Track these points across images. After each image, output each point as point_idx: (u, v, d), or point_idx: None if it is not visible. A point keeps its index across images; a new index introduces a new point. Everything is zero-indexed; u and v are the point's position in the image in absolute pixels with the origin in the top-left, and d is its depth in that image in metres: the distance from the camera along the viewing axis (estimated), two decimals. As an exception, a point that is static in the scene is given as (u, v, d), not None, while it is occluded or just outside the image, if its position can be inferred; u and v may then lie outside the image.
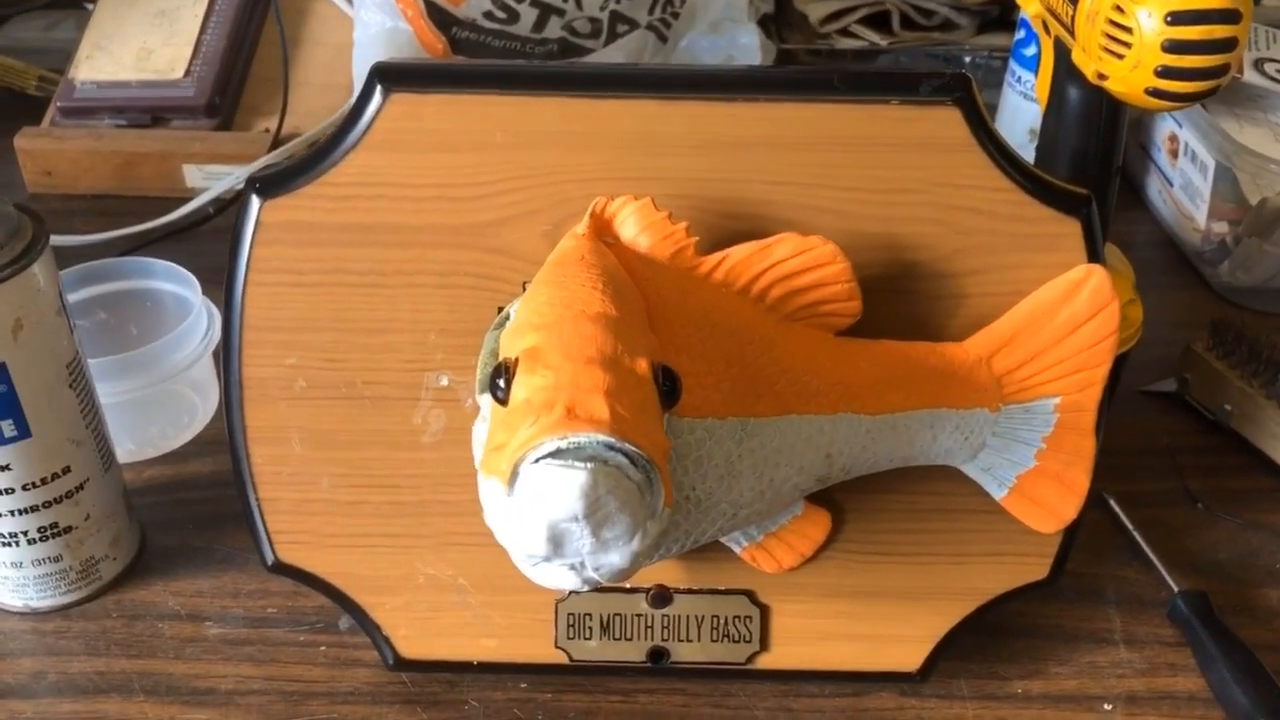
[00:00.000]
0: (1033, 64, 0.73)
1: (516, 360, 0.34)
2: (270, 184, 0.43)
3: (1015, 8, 0.83)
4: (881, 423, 0.42)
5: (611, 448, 0.31)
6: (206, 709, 0.47)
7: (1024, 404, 0.43)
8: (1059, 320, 0.43)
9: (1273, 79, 0.71)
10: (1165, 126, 0.74)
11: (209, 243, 0.73)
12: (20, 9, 0.93)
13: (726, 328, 0.39)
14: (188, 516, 0.56)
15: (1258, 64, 0.72)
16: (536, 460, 0.31)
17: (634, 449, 0.32)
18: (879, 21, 0.86)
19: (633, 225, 0.40)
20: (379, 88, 0.42)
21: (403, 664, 0.48)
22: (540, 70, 0.48)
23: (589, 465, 0.31)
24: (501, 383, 0.34)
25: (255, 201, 0.43)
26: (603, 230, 0.40)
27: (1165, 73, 0.48)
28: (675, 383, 0.35)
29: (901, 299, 0.43)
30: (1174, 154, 0.73)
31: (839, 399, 0.41)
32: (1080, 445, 0.44)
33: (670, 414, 0.36)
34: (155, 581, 0.53)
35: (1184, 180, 0.72)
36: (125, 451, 0.57)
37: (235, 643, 0.50)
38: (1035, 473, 0.44)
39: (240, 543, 0.53)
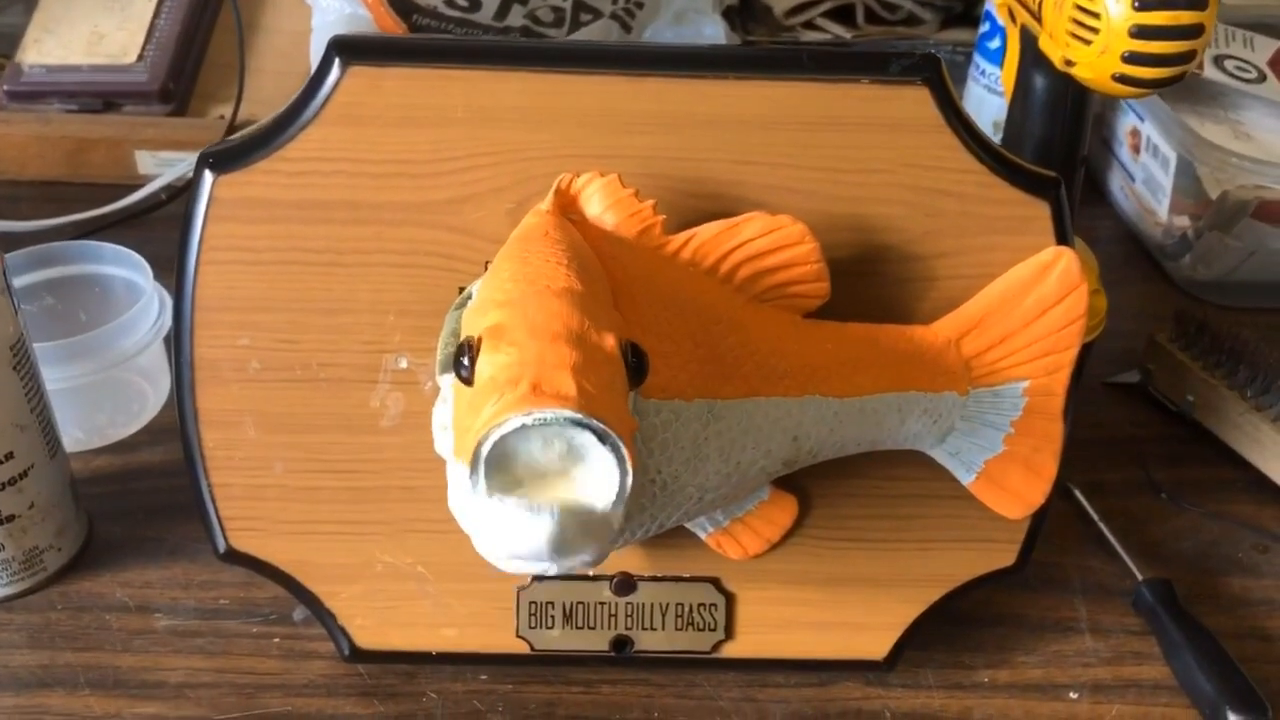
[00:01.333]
0: (997, 57, 0.73)
1: (480, 338, 0.33)
2: (224, 159, 0.42)
3: (979, 3, 0.83)
4: (849, 405, 0.41)
5: (578, 424, 0.31)
6: (155, 702, 0.46)
7: (993, 387, 0.43)
8: (1028, 303, 0.42)
9: (1232, 75, 0.72)
10: (1127, 121, 0.75)
11: (161, 229, 0.71)
12: (-33, -8, 0.90)
13: (693, 308, 0.39)
14: (137, 506, 0.54)
15: (1218, 60, 0.72)
16: (500, 437, 0.30)
17: (600, 425, 0.31)
18: (844, 15, 0.85)
19: (598, 202, 0.39)
20: (337, 60, 0.41)
21: (359, 655, 0.46)
22: (503, 45, 0.48)
23: (555, 512, 0.31)
24: (465, 361, 0.33)
25: (209, 177, 0.42)
26: (568, 207, 0.39)
27: (1132, 58, 0.48)
28: (643, 360, 0.34)
29: (871, 280, 0.43)
30: (1136, 149, 0.74)
31: (806, 381, 0.40)
32: (1049, 429, 0.43)
33: (636, 395, 0.35)
34: (103, 573, 0.51)
35: (1146, 175, 0.73)
36: (73, 440, 0.55)
37: (186, 634, 0.49)
38: (1003, 458, 0.44)
39: (191, 533, 0.51)
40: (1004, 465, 0.44)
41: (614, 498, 0.31)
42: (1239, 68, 0.72)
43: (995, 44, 0.73)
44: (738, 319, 0.40)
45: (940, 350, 0.42)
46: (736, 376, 0.39)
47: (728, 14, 0.82)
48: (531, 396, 0.30)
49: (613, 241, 0.39)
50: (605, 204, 0.39)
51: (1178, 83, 0.48)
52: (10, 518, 0.48)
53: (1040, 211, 0.43)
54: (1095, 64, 0.49)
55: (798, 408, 0.40)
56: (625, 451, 0.31)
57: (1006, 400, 0.43)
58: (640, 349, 0.34)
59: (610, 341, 0.33)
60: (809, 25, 0.85)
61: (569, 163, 0.41)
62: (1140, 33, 0.47)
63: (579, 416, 0.30)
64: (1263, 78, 0.72)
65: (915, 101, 0.41)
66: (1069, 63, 0.50)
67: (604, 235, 0.39)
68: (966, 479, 0.44)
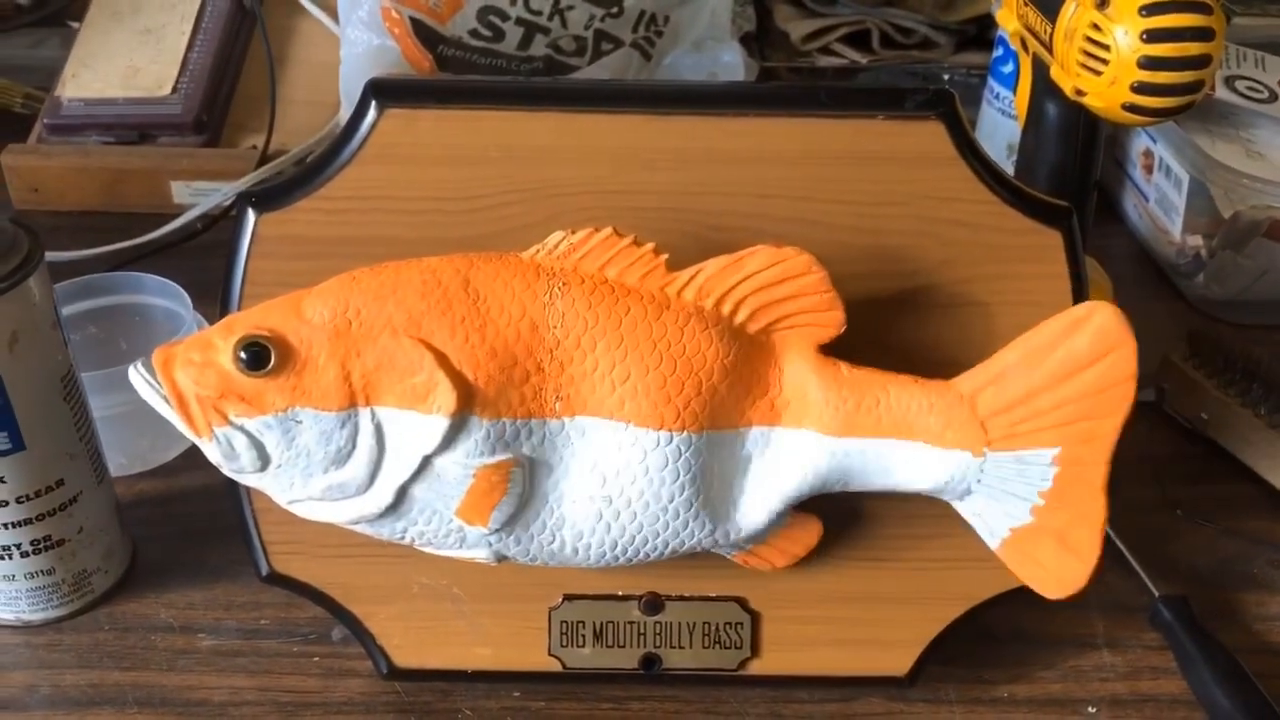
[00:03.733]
0: (1010, 81, 0.75)
1: None
2: (266, 198, 0.44)
3: (993, 26, 0.84)
4: (849, 446, 0.41)
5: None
6: (200, 720, 0.48)
7: (1014, 452, 0.40)
8: (1054, 361, 0.39)
9: (1244, 95, 0.73)
10: (1140, 142, 0.76)
11: (197, 259, 0.73)
12: (5, 27, 0.93)
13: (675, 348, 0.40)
14: (179, 529, 0.56)
15: (1229, 81, 0.73)
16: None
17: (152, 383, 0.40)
18: (859, 40, 0.87)
19: (597, 257, 0.40)
20: (374, 103, 0.43)
21: (397, 673, 0.48)
22: (533, 86, 0.49)
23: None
24: None
25: (251, 215, 0.43)
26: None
27: (1141, 88, 0.49)
28: (258, 354, 0.39)
29: (888, 310, 0.44)
30: (1149, 169, 0.75)
31: (805, 416, 0.41)
32: (1087, 505, 0.40)
33: (545, 422, 0.40)
34: (147, 594, 0.53)
35: (1159, 195, 0.74)
36: (117, 465, 0.57)
37: (228, 654, 0.50)
38: (1032, 529, 0.41)
39: (232, 555, 0.53)
40: (1034, 538, 0.41)
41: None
42: (1250, 88, 0.74)
43: (1009, 68, 0.75)
44: (739, 355, 0.41)
45: (952, 404, 0.40)
46: (735, 411, 0.41)
47: (745, 41, 0.84)
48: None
49: (611, 302, 0.40)
50: (605, 258, 0.40)
51: (1187, 111, 0.50)
52: (60, 542, 0.50)
53: (1053, 240, 0.44)
54: (1105, 94, 0.50)
55: (795, 442, 0.41)
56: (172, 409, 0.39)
57: (1032, 468, 0.40)
58: (255, 344, 0.39)
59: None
60: (825, 51, 0.86)
61: (596, 198, 0.43)
62: (1149, 64, 0.49)
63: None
64: (1274, 97, 0.73)
65: (930, 136, 0.43)
66: (1080, 92, 0.52)
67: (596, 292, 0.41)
68: (991, 544, 0.43)
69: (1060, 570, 0.41)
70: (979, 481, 0.41)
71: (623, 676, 0.48)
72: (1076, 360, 0.39)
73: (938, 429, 0.41)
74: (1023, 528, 0.41)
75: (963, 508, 0.43)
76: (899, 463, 0.41)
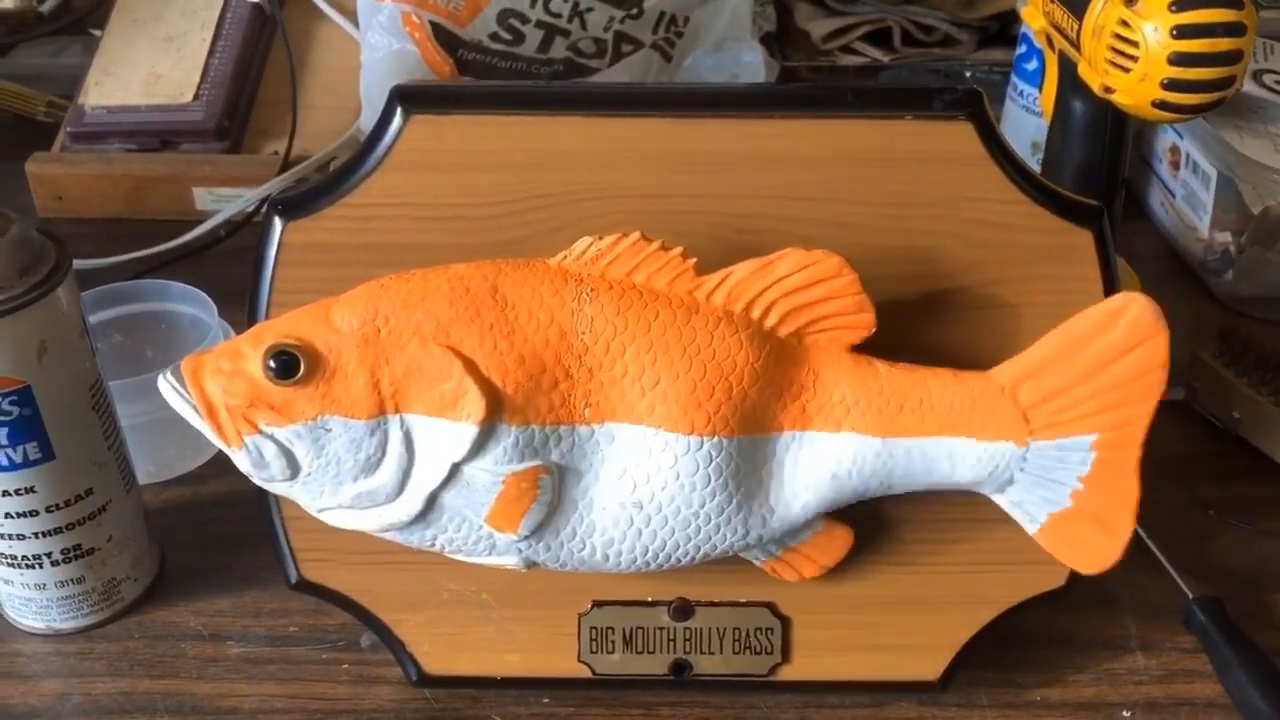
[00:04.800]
0: (1034, 78, 0.74)
1: None
2: (292, 206, 0.44)
3: (1015, 22, 0.84)
4: (894, 446, 0.41)
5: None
6: (231, 728, 0.48)
7: (1055, 440, 0.41)
8: (1092, 351, 0.40)
9: (1272, 90, 0.72)
10: (1166, 138, 0.75)
11: (220, 265, 0.73)
12: (27, 36, 0.93)
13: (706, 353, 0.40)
14: (207, 537, 0.56)
15: (1257, 75, 0.73)
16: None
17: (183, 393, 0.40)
18: (880, 38, 0.87)
19: (625, 263, 0.40)
20: (400, 110, 0.43)
21: (426, 680, 0.48)
22: (559, 91, 0.49)
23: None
24: None
25: (278, 223, 0.43)
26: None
27: (1171, 85, 0.49)
28: (287, 363, 0.39)
29: (918, 312, 0.44)
30: (1175, 165, 0.74)
31: (844, 418, 0.41)
32: (1123, 487, 0.41)
33: (574, 428, 0.40)
34: (176, 602, 0.53)
35: (1186, 191, 0.73)
36: (144, 473, 0.57)
37: (258, 662, 0.50)
38: (1071, 513, 0.42)
39: (260, 562, 0.53)
40: (1072, 521, 0.42)
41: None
42: (1278, 82, 0.73)
43: (1032, 65, 0.74)
44: (770, 358, 0.41)
45: (994, 398, 0.41)
46: (767, 416, 0.41)
47: (765, 40, 0.84)
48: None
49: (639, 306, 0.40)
50: (633, 263, 0.40)
51: (1217, 108, 0.49)
52: (90, 550, 0.50)
53: (1084, 240, 0.44)
54: (1135, 91, 0.50)
55: (833, 445, 0.41)
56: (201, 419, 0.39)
57: (1072, 455, 0.41)
58: (284, 353, 0.39)
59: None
60: (846, 49, 0.86)
61: (623, 203, 0.43)
62: (1179, 60, 0.48)
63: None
64: (1302, 92, 0.72)
65: (959, 136, 0.43)
66: (1108, 90, 0.51)
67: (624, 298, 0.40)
68: (1030, 529, 0.43)
69: (1097, 548, 0.43)
70: (1021, 471, 0.42)
71: (652, 682, 0.48)
72: (1112, 350, 0.40)
73: (981, 423, 0.41)
74: (1061, 512, 0.42)
75: (1001, 498, 0.43)
76: (944, 459, 0.42)
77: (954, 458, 0.41)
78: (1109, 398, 0.41)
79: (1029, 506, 0.43)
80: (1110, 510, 0.42)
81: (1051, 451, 0.41)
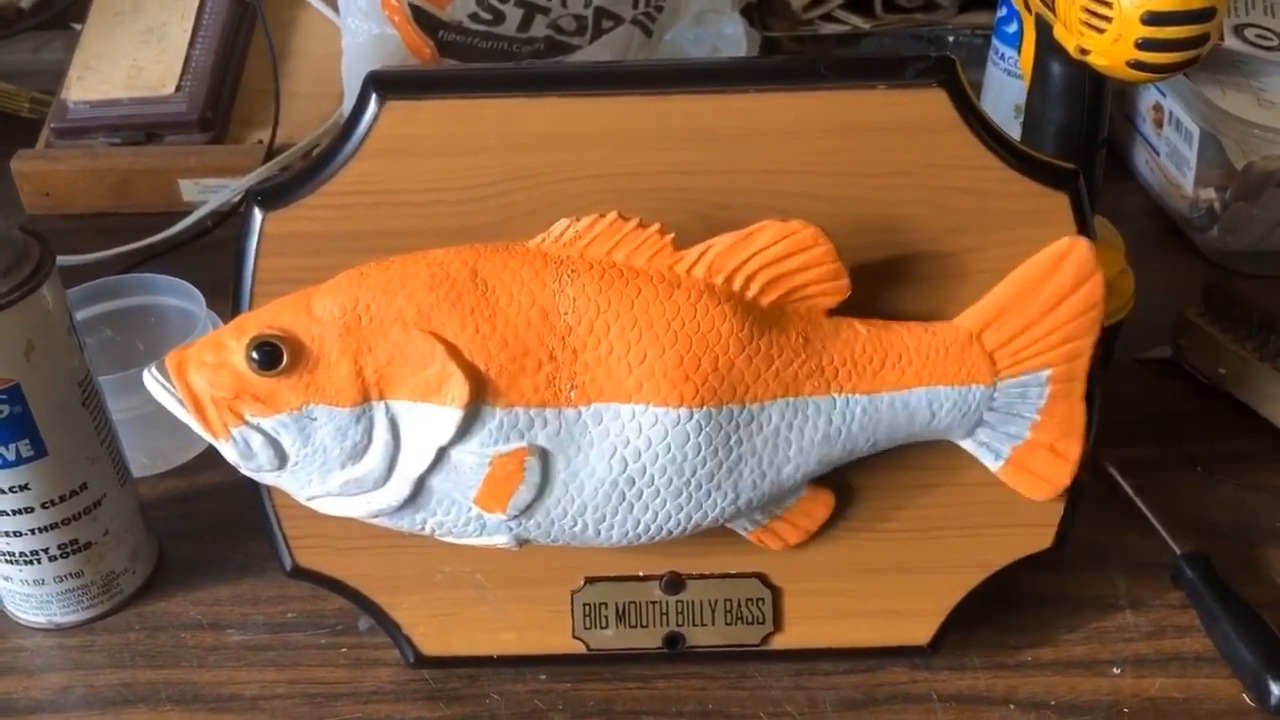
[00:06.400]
0: (1014, 40, 0.74)
1: None
2: (271, 196, 0.44)
3: (996, -16, 0.83)
4: (878, 402, 0.43)
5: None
6: (233, 715, 0.48)
7: (1018, 378, 0.44)
8: (1045, 293, 0.43)
9: (1253, 44, 0.72)
10: (1149, 96, 0.75)
11: (208, 256, 0.73)
12: (8, 32, 0.93)
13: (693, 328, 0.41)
14: (204, 527, 0.57)
15: (1238, 29, 0.72)
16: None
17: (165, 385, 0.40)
18: (862, 5, 0.86)
19: (603, 242, 0.41)
20: (374, 96, 0.43)
21: (423, 661, 0.49)
22: (531, 72, 0.49)
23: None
24: None
25: (258, 214, 0.44)
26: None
27: (1146, 45, 0.48)
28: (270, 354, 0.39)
29: (898, 280, 0.44)
30: (1159, 123, 0.74)
31: (832, 380, 0.42)
32: (1072, 414, 0.44)
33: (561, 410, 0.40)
34: (175, 592, 0.54)
35: (1170, 149, 0.73)
36: (139, 465, 0.58)
37: (257, 649, 0.51)
38: (1029, 444, 0.45)
39: (257, 550, 0.54)
40: (1030, 452, 0.45)
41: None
42: (1260, 35, 0.73)
43: (1013, 28, 0.74)
44: (754, 328, 0.41)
45: (964, 344, 0.43)
46: (756, 384, 0.41)
47: (746, 12, 0.83)
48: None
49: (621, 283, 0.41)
50: (612, 242, 0.41)
51: (1194, 65, 0.49)
52: (87, 545, 0.51)
53: (1060, 203, 0.44)
54: (1110, 52, 0.50)
55: (827, 406, 0.42)
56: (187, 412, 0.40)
57: (1031, 389, 0.44)
58: (267, 344, 0.39)
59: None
60: (828, 18, 0.86)
61: (600, 182, 0.43)
62: (1153, 19, 0.48)
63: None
64: (1284, 45, 0.72)
65: (932, 104, 0.43)
66: (1084, 51, 0.51)
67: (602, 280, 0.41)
68: (994, 466, 0.45)
69: (1051, 475, 0.45)
70: (990, 410, 0.44)
71: (647, 656, 0.48)
72: (1060, 290, 0.43)
73: (955, 369, 0.43)
74: (1022, 444, 0.45)
75: (970, 442, 0.45)
76: (924, 408, 0.43)
77: (934, 405, 0.43)
78: (1061, 334, 0.43)
79: (995, 444, 0.45)
80: (1062, 438, 0.45)
81: (1015, 389, 0.44)
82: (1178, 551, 0.52)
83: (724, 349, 0.41)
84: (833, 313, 0.43)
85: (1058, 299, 0.43)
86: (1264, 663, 0.47)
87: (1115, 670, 0.49)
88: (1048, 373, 0.44)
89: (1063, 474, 0.45)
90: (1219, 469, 0.57)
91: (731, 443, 0.41)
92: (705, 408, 0.41)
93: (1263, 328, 0.60)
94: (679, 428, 0.41)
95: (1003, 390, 0.44)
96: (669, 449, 0.41)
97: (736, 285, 0.41)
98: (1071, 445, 0.45)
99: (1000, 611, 0.50)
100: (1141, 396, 0.62)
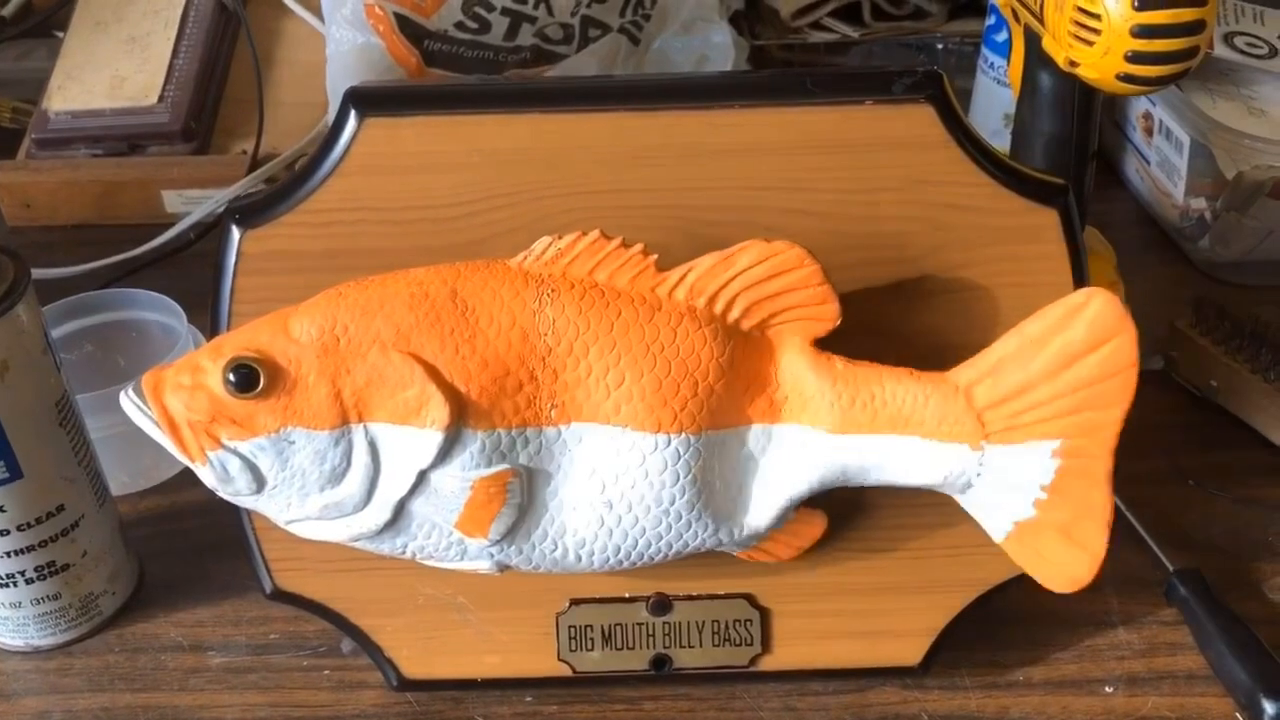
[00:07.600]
0: (1004, 49, 0.73)
1: None
2: (250, 214, 0.43)
3: (985, -7, 0.83)
4: (845, 442, 0.41)
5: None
6: (214, 739, 0.48)
7: (1013, 445, 0.40)
8: (1051, 351, 0.38)
9: (1243, 53, 0.71)
10: (1139, 105, 0.75)
11: (192, 268, 0.73)
12: (-10, 41, 0.92)
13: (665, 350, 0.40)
14: (186, 546, 0.56)
15: (1228, 38, 0.72)
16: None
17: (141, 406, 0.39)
18: (851, 13, 0.86)
19: (585, 262, 0.40)
20: (353, 113, 0.42)
21: (407, 684, 0.48)
22: (513, 88, 0.49)
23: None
24: None
25: (236, 232, 0.43)
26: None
27: (1135, 58, 0.48)
28: (246, 377, 0.38)
29: (885, 298, 0.44)
30: (1149, 132, 0.74)
31: (802, 412, 0.41)
32: (1091, 498, 0.39)
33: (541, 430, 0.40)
34: (156, 613, 0.53)
35: (1160, 158, 0.73)
36: (119, 484, 0.57)
37: (239, 671, 0.50)
38: (1036, 523, 0.41)
39: (238, 570, 0.52)
40: (1037, 531, 0.41)
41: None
42: (1250, 44, 0.72)
43: (1002, 36, 0.73)
44: (735, 354, 0.40)
45: (947, 397, 0.40)
46: (734, 411, 0.40)
47: (735, 20, 0.83)
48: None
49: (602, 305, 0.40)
50: (593, 261, 0.40)
51: (1182, 78, 0.49)
52: (65, 567, 0.50)
53: (1049, 219, 0.43)
54: (1099, 64, 0.49)
55: (793, 436, 0.41)
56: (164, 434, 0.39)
57: (1032, 461, 0.39)
58: (243, 366, 0.38)
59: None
60: (816, 26, 0.85)
61: (583, 199, 0.42)
62: (1142, 32, 0.48)
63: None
64: (1274, 53, 0.72)
65: (920, 120, 0.42)
66: (1073, 63, 0.51)
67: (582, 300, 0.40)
68: (996, 537, 0.42)
69: (1066, 564, 0.41)
70: (978, 475, 0.41)
71: (634, 678, 0.48)
72: (1074, 349, 0.38)
73: (933, 423, 0.40)
74: (1026, 521, 0.41)
75: (965, 501, 0.42)
76: (896, 458, 0.41)
77: (908, 458, 0.41)
78: (1072, 400, 0.38)
79: (991, 512, 0.41)
80: (1078, 523, 0.40)
81: (1009, 456, 0.40)
82: (1170, 568, 0.52)
83: (703, 375, 0.40)
84: (824, 338, 0.41)
85: (1067, 359, 0.38)
86: (1257, 681, 0.47)
87: (1108, 689, 0.48)
88: (1054, 445, 0.39)
89: (1080, 566, 0.40)
90: (1212, 482, 0.57)
91: (710, 471, 0.41)
92: (683, 434, 0.40)
93: (1254, 340, 0.59)
94: (656, 454, 0.40)
95: (993, 455, 0.40)
96: (646, 475, 0.40)
97: (719, 308, 0.40)
98: (1091, 534, 0.39)
99: (991, 630, 0.50)
100: (1133, 408, 0.61)
